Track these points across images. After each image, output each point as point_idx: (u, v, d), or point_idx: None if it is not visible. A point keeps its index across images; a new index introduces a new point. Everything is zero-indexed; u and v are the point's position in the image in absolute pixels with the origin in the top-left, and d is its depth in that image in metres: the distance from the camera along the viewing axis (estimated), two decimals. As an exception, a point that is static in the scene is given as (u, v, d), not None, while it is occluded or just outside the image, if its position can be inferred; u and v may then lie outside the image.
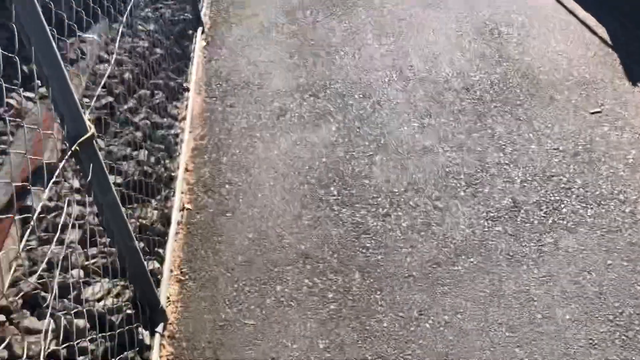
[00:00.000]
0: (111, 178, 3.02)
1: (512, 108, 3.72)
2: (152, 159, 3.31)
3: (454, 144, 3.47)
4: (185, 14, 4.91)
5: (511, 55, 4.27)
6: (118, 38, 3.12)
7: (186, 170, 3.46)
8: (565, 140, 3.42)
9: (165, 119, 3.69)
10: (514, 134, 3.51)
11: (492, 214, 2.98)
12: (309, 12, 5.16)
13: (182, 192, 3.28)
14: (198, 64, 4.48)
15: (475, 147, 3.42)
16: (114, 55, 3.09)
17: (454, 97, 3.88)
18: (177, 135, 3.61)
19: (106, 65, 4.08)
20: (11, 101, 3.49)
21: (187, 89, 4.10)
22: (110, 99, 3.71)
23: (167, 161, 3.37)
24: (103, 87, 3.57)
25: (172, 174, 3.29)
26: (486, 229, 2.90)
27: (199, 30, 4.83)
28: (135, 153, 3.33)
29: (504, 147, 3.41)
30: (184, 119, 3.80)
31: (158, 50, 4.32)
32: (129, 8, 3.54)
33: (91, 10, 2.71)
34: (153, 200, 3.11)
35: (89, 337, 2.23)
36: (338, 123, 3.74)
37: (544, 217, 2.94)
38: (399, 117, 3.74)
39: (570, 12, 4.79)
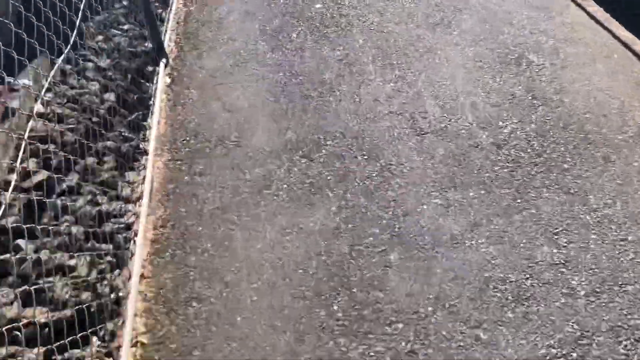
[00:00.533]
0: (36, 312, 2.23)
1: (558, 175, 2.93)
2: (94, 272, 2.48)
3: (491, 233, 2.68)
4: (146, 44, 4.01)
5: (546, 94, 3.46)
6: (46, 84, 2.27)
7: (142, 276, 2.64)
8: (634, 225, 2.64)
9: (114, 203, 2.84)
10: (565, 215, 2.72)
11: (554, 351, 2.20)
12: (295, 35, 4.29)
13: (135, 314, 2.47)
14: (160, 112, 3.61)
15: (520, 238, 2.63)
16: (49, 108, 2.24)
17: (482, 158, 3.08)
18: (129, 227, 2.77)
19: (42, 122, 3.20)
20: None
21: (145, 152, 3.25)
22: (44, 174, 2.86)
23: (114, 273, 2.53)
24: (35, 156, 2.74)
25: (121, 294, 2.46)
26: (550, 378, 2.13)
27: (162, 63, 3.95)
28: (72, 262, 2.49)
29: (556, 237, 2.63)
30: (139, 198, 2.95)
31: (110, 96, 3.44)
32: (72, 38, 2.68)
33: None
34: (95, 339, 2.29)
35: None
36: (339, 200, 2.93)
37: (625, 354, 2.18)
38: (416, 190, 2.93)
39: (610, 32, 3.99)
